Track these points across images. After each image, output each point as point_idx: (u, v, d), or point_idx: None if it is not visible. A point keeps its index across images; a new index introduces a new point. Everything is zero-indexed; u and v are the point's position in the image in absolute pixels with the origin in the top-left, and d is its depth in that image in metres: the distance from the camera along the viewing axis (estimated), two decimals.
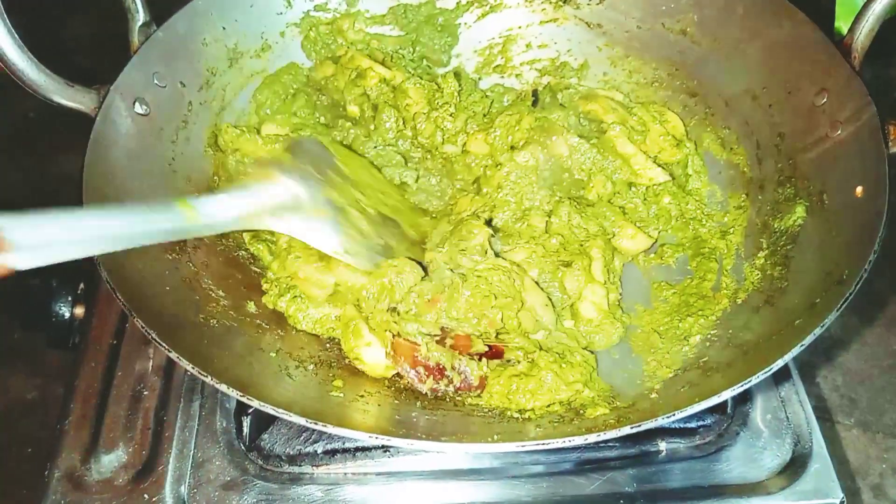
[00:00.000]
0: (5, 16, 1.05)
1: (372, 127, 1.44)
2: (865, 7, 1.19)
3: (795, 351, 0.93)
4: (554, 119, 1.37)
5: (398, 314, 1.14)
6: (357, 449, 1.21)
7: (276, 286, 1.22)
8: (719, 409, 1.25)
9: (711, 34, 1.47)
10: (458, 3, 1.59)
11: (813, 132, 1.26)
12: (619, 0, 1.57)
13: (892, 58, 1.69)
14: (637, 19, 1.57)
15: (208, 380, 0.92)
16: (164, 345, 0.94)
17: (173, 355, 0.93)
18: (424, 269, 1.19)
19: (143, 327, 0.94)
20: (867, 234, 1.04)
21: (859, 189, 1.13)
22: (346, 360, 1.15)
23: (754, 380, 0.91)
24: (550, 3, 1.62)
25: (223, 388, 0.91)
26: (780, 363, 0.92)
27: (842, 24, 1.56)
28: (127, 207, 0.97)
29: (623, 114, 1.42)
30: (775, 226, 1.25)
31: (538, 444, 0.90)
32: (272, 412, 0.90)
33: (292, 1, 1.51)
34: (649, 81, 1.55)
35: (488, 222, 1.26)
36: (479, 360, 1.12)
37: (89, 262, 1.00)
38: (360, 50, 1.54)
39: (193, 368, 0.92)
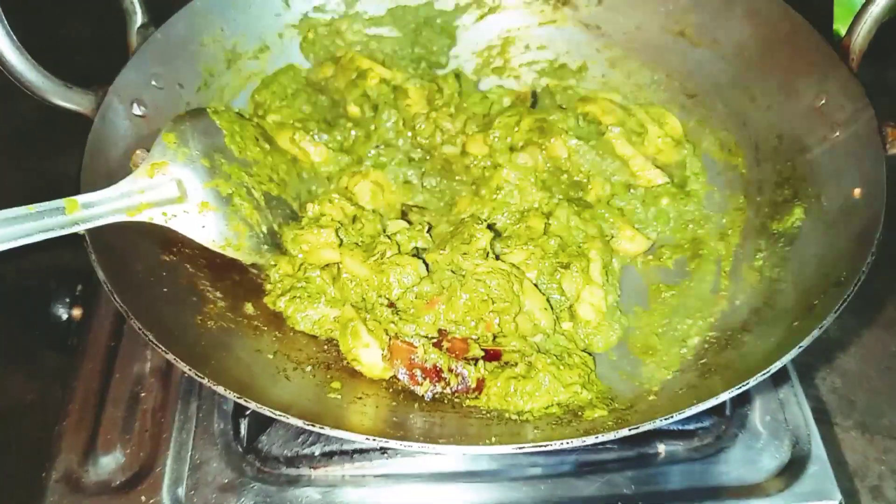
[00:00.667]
0: (3, 17, 1.05)
1: (372, 127, 1.44)
2: (863, 9, 1.19)
3: (794, 352, 0.93)
4: (553, 120, 1.37)
5: (397, 312, 1.14)
6: (355, 451, 1.21)
7: (279, 287, 1.22)
8: (718, 410, 1.25)
9: (710, 36, 1.47)
10: (456, 5, 1.59)
11: (811, 134, 1.26)
12: (618, 2, 1.58)
13: (889, 60, 1.69)
14: (636, 21, 1.57)
15: (205, 382, 0.91)
16: (161, 347, 0.93)
17: (170, 357, 0.93)
18: (427, 266, 1.19)
19: (140, 329, 0.94)
20: (865, 235, 1.04)
21: (857, 191, 1.13)
22: (344, 362, 1.14)
23: (753, 381, 0.91)
24: (549, 4, 1.62)
25: (220, 390, 0.91)
26: (778, 365, 0.92)
27: (840, 27, 1.57)
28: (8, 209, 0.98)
29: (622, 115, 1.42)
30: (773, 227, 1.25)
31: (536, 447, 0.90)
32: (269, 414, 0.90)
33: (290, 2, 1.51)
34: (648, 83, 1.55)
35: (490, 225, 1.26)
36: (476, 363, 1.12)
37: (87, 264, 1.01)
38: (360, 51, 1.55)
39: (191, 370, 0.92)
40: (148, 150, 1.15)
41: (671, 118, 1.47)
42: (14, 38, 1.06)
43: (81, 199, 1.03)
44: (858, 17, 1.20)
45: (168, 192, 1.13)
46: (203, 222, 1.16)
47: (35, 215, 0.98)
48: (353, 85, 1.47)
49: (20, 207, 0.97)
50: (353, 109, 1.46)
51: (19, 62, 1.08)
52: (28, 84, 1.10)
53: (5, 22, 1.05)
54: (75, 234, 1.01)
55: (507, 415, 1.07)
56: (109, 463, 1.21)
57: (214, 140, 1.25)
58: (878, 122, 1.13)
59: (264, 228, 1.24)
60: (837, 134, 1.21)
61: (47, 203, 1.00)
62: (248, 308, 1.19)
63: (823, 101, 1.24)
